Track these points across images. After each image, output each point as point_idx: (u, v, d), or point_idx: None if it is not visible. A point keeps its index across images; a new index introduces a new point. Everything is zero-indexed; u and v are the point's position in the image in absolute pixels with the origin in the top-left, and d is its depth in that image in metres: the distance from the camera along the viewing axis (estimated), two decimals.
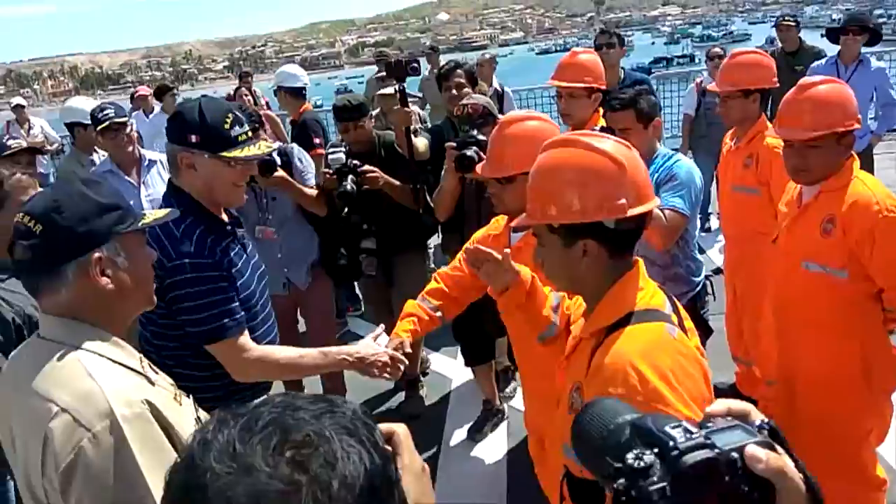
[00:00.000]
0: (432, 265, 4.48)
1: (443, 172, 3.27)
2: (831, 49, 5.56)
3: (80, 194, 1.42)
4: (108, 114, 3.81)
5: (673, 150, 3.10)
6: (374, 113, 4.28)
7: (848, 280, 2.39)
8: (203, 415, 1.52)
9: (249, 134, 2.08)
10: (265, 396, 2.58)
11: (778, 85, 3.33)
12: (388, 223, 3.73)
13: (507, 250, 1.89)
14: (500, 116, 2.86)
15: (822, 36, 6.19)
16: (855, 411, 2.48)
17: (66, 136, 5.53)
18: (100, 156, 4.53)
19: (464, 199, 3.39)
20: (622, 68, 4.95)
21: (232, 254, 2.10)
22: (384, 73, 5.28)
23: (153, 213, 1.59)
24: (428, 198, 3.66)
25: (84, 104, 4.64)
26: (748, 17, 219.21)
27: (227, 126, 2.02)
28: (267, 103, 7.67)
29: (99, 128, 3.82)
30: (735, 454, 0.68)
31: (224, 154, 2.01)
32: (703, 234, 5.98)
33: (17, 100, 8.59)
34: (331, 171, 3.54)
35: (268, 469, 0.62)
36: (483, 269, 1.90)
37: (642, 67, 27.44)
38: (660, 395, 1.30)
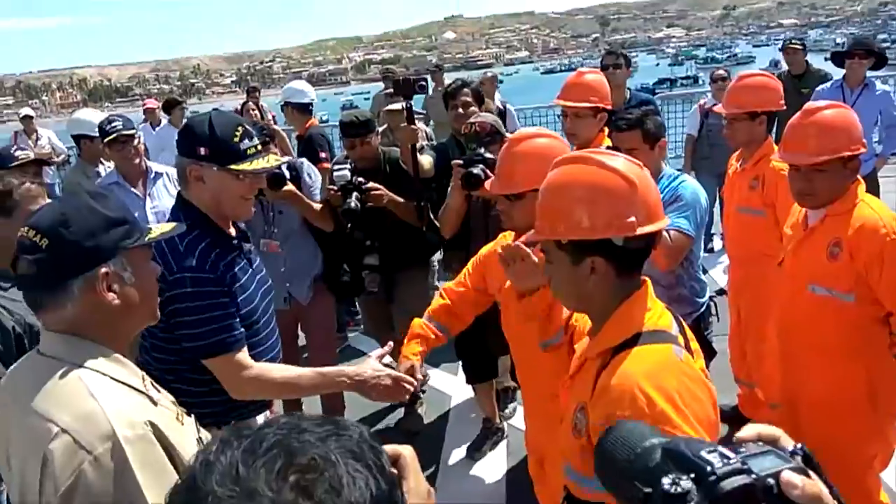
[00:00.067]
0: (436, 283, 4.47)
1: (449, 190, 3.28)
2: (837, 73, 5.58)
3: (87, 208, 1.39)
4: (116, 126, 3.83)
5: (677, 170, 3.10)
6: (380, 129, 4.29)
7: (854, 304, 2.38)
8: (205, 435, 1.50)
9: (259, 147, 2.08)
10: (270, 417, 2.56)
11: (785, 108, 3.33)
12: (392, 240, 3.73)
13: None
14: (507, 135, 2.87)
15: (825, 59, 6.22)
16: (859, 436, 2.46)
17: (73, 147, 5.55)
18: (106, 167, 4.55)
19: (469, 216, 3.39)
20: (628, 88, 4.97)
21: (236, 269, 2.08)
22: (391, 90, 5.31)
23: (160, 228, 1.57)
24: (432, 215, 3.66)
25: (91, 116, 4.66)
26: (752, 39, 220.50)
27: (236, 139, 2.01)
28: (273, 118, 7.71)
29: (106, 140, 3.84)
30: (771, 480, 0.67)
31: (232, 167, 2.01)
32: (706, 254, 5.97)
33: (25, 111, 8.66)
34: (335, 188, 3.55)
35: (271, 494, 0.60)
36: (513, 267, 1.91)
37: (646, 88, 27.62)
38: (667, 417, 1.29)
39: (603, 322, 1.50)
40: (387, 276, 3.80)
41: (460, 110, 3.76)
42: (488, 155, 2.98)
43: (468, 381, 3.83)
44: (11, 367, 1.50)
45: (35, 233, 1.35)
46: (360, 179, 3.54)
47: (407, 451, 0.83)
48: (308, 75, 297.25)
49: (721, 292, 4.39)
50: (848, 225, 2.38)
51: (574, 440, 1.48)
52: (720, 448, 0.71)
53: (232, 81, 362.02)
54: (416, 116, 4.54)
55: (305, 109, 5.06)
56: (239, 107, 7.33)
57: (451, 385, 4.51)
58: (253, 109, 7.20)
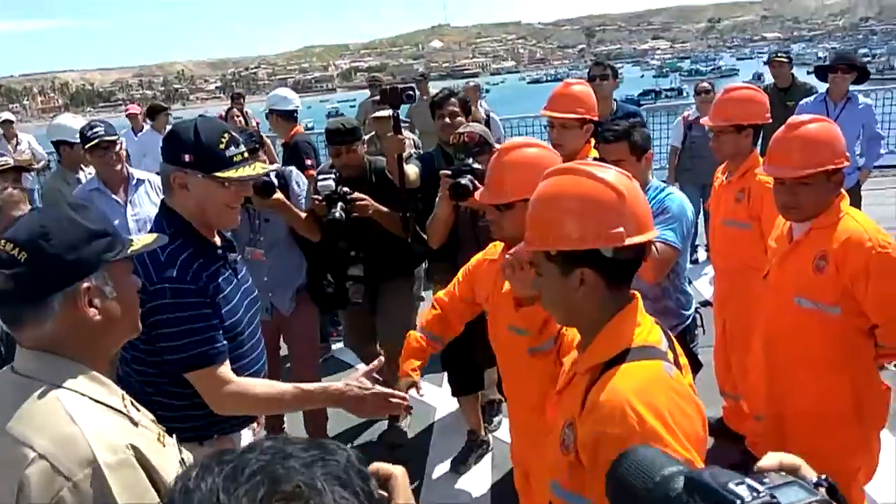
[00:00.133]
0: (421, 294, 4.44)
1: (437, 200, 3.26)
2: (822, 86, 5.64)
3: (68, 219, 1.34)
4: (97, 132, 3.78)
5: (662, 182, 3.11)
6: (366, 138, 4.27)
7: (840, 316, 2.38)
8: (187, 456, 1.45)
9: (245, 155, 2.04)
10: (256, 430, 2.49)
11: (771, 121, 3.36)
12: (377, 250, 3.71)
13: None
14: (496, 145, 2.86)
15: (808, 73, 6.30)
16: (845, 448, 2.46)
17: (53, 152, 5.47)
18: (86, 174, 4.48)
19: (457, 227, 3.37)
20: (615, 100, 4.99)
21: (220, 279, 2.04)
22: (378, 98, 5.31)
23: (141, 240, 1.51)
24: (417, 226, 3.64)
25: (71, 122, 4.60)
26: (736, 52, 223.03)
27: (221, 146, 1.97)
28: (258, 125, 7.68)
29: (88, 145, 3.79)
30: None
31: (218, 174, 1.97)
32: (690, 265, 5.99)
33: (5, 115, 8.53)
34: (320, 198, 3.52)
35: None
36: (516, 275, 1.91)
37: (631, 99, 27.86)
38: (657, 435, 1.28)
39: (592, 336, 1.49)
40: (371, 286, 3.77)
41: (447, 120, 3.74)
42: (477, 165, 2.97)
43: (453, 394, 3.80)
44: None
45: (13, 246, 1.29)
46: (346, 189, 3.52)
47: (398, 471, 0.81)
48: (294, 82, 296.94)
49: (706, 304, 4.40)
50: (833, 238, 2.39)
51: (562, 456, 1.46)
52: (747, 479, 0.69)
53: (216, 87, 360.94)
54: (403, 124, 4.53)
55: (290, 117, 5.04)
56: (223, 113, 7.29)
57: (435, 397, 4.44)
58: (237, 116, 7.17)
